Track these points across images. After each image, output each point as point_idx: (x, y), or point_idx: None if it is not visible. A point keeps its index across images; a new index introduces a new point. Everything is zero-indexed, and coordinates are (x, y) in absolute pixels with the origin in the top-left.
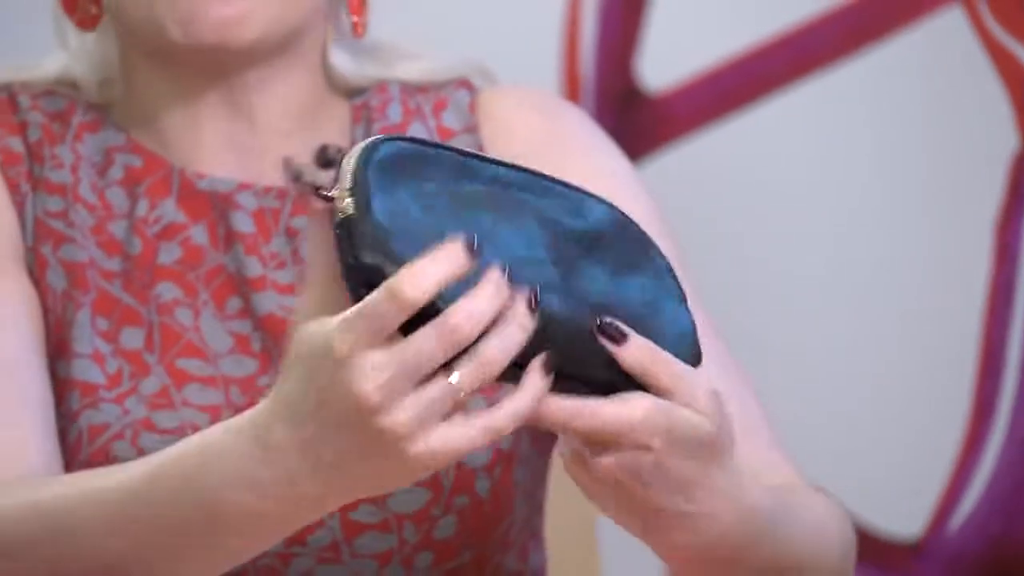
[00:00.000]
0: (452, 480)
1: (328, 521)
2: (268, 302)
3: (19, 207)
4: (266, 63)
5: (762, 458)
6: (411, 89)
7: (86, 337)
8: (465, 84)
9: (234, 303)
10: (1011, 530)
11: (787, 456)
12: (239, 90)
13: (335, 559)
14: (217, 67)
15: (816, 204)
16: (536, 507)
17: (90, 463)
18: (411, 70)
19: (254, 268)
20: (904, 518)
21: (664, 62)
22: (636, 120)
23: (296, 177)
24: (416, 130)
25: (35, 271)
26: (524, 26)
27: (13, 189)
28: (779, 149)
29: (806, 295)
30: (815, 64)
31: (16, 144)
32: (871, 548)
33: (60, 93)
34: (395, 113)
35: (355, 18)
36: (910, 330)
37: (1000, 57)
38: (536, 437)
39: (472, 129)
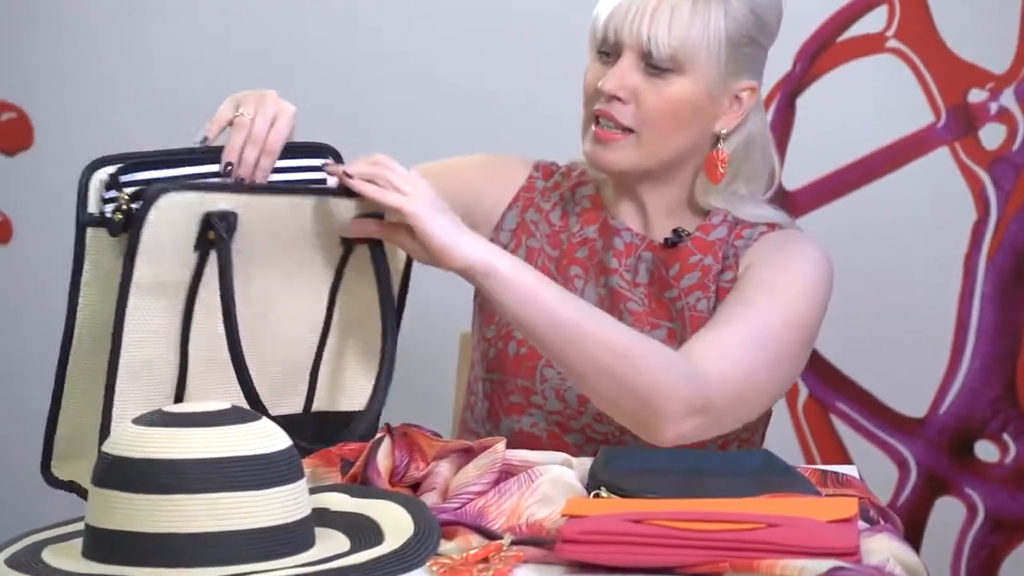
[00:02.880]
0: None
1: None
2: (615, 282)
3: (511, 207)
4: (647, 180)
5: (699, 340)
6: (736, 220)
7: None
8: (772, 225)
9: (601, 279)
10: (971, 414)
11: (717, 368)
12: (636, 188)
13: (601, 421)
14: (614, 177)
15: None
16: (738, 434)
17: (492, 342)
18: (743, 211)
19: (613, 264)
20: (915, 405)
21: (794, 176)
22: (781, 205)
23: (675, 239)
24: (719, 232)
25: (511, 245)
26: None
27: (514, 200)
28: (851, 225)
29: (882, 292)
30: (872, 177)
31: (541, 183)
32: (895, 420)
33: (576, 167)
34: (717, 219)
35: (710, 176)
36: (926, 307)
37: (967, 173)
38: None
39: (752, 241)
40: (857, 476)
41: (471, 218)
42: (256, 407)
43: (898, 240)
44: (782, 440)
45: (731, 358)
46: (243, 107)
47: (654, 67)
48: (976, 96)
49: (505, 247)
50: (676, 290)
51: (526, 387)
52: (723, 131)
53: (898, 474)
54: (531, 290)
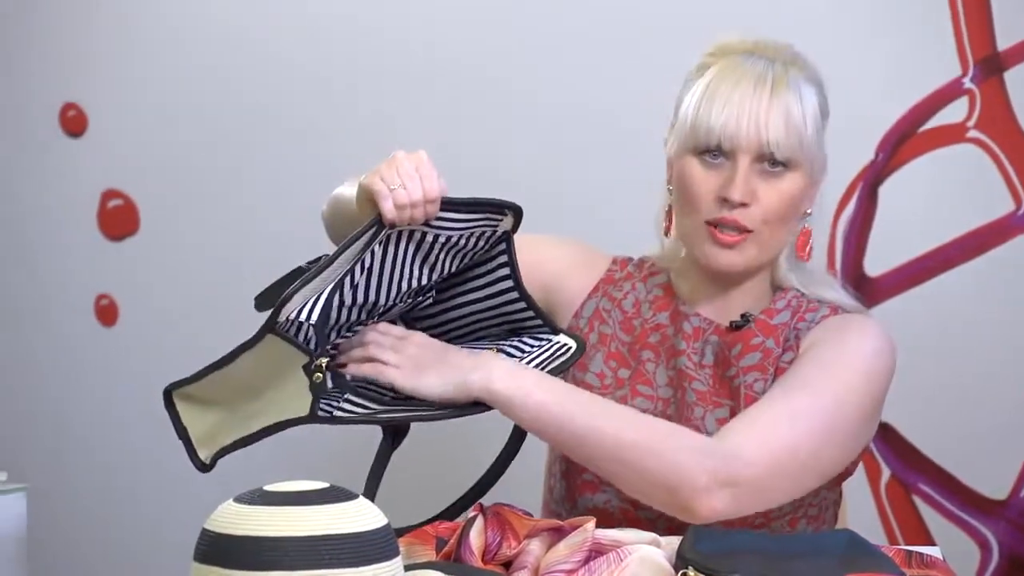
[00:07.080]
0: None
1: None
2: (682, 362)
3: (591, 296)
4: (746, 275)
5: (733, 428)
6: (800, 304)
7: (598, 365)
8: (835, 309)
9: (671, 361)
10: None
11: (754, 448)
12: (727, 282)
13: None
14: (720, 275)
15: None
16: (806, 511)
17: None
18: (814, 290)
19: (682, 346)
20: (997, 487)
21: (876, 262)
22: (863, 291)
23: (741, 322)
24: (782, 316)
25: (586, 330)
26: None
27: (594, 290)
28: (931, 311)
29: (963, 376)
30: (953, 264)
31: (618, 275)
32: (977, 501)
33: (648, 260)
34: (781, 303)
35: (801, 254)
36: (1006, 391)
37: None
38: None
39: (814, 324)
40: (941, 557)
41: (551, 296)
42: None
43: (978, 325)
44: (865, 520)
45: (765, 432)
46: (387, 182)
47: (772, 166)
48: None
49: (581, 331)
50: (735, 368)
51: None
52: (808, 210)
53: (980, 555)
54: (537, 404)
